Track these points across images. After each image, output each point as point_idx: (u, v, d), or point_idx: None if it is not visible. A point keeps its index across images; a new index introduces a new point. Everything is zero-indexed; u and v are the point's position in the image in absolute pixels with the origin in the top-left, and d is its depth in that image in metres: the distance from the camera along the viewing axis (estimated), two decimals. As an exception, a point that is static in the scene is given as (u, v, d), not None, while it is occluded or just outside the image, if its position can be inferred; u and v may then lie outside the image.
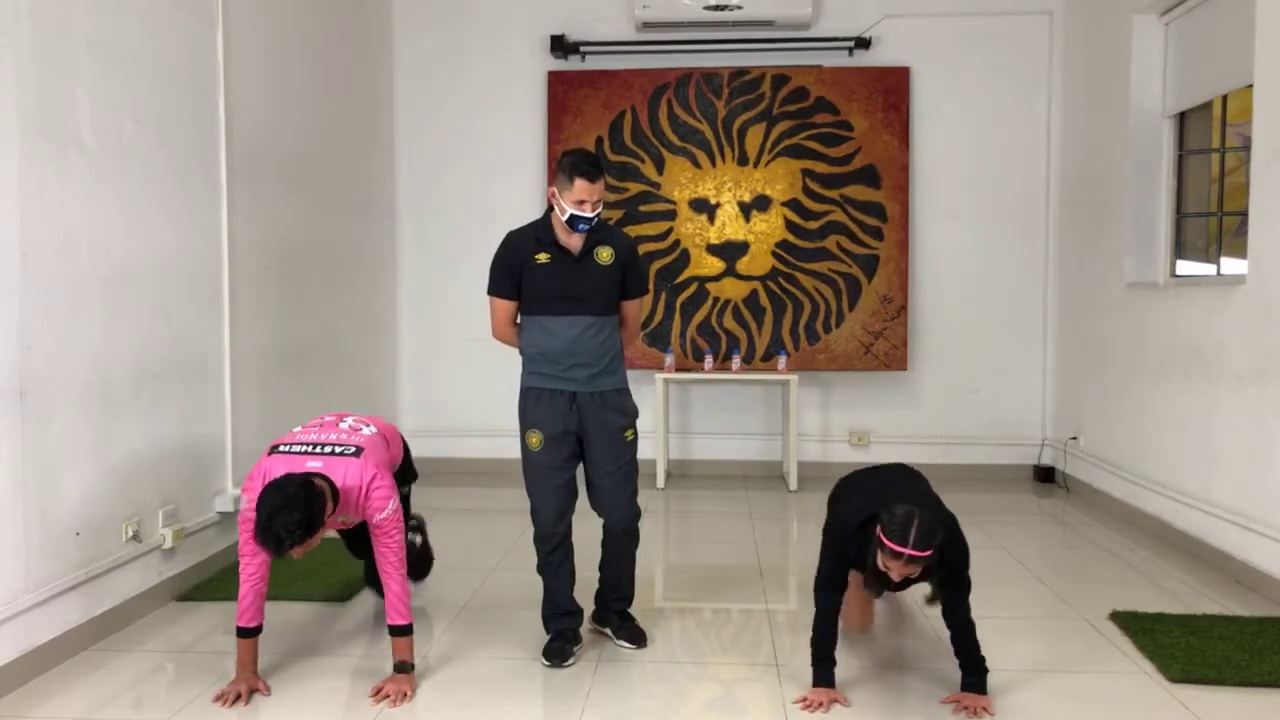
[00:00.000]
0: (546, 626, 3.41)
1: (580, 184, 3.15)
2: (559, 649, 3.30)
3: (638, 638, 3.49)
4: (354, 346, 5.94)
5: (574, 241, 3.29)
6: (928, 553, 2.70)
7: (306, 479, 2.85)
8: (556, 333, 3.28)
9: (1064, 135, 6.33)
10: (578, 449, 3.35)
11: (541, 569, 3.42)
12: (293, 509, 2.75)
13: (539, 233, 3.32)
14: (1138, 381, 5.23)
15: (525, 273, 3.30)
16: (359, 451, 3.07)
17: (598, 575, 3.55)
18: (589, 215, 3.19)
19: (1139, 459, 5.21)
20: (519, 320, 3.41)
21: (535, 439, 3.30)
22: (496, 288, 3.37)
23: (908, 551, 2.68)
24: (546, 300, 3.30)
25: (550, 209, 3.32)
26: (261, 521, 2.77)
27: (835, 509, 3.20)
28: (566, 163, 3.20)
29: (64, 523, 3.31)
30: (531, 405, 3.33)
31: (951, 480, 6.11)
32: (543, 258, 3.27)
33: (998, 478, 6.43)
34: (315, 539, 2.87)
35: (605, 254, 3.32)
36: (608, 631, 3.54)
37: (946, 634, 2.97)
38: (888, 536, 2.71)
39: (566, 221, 3.21)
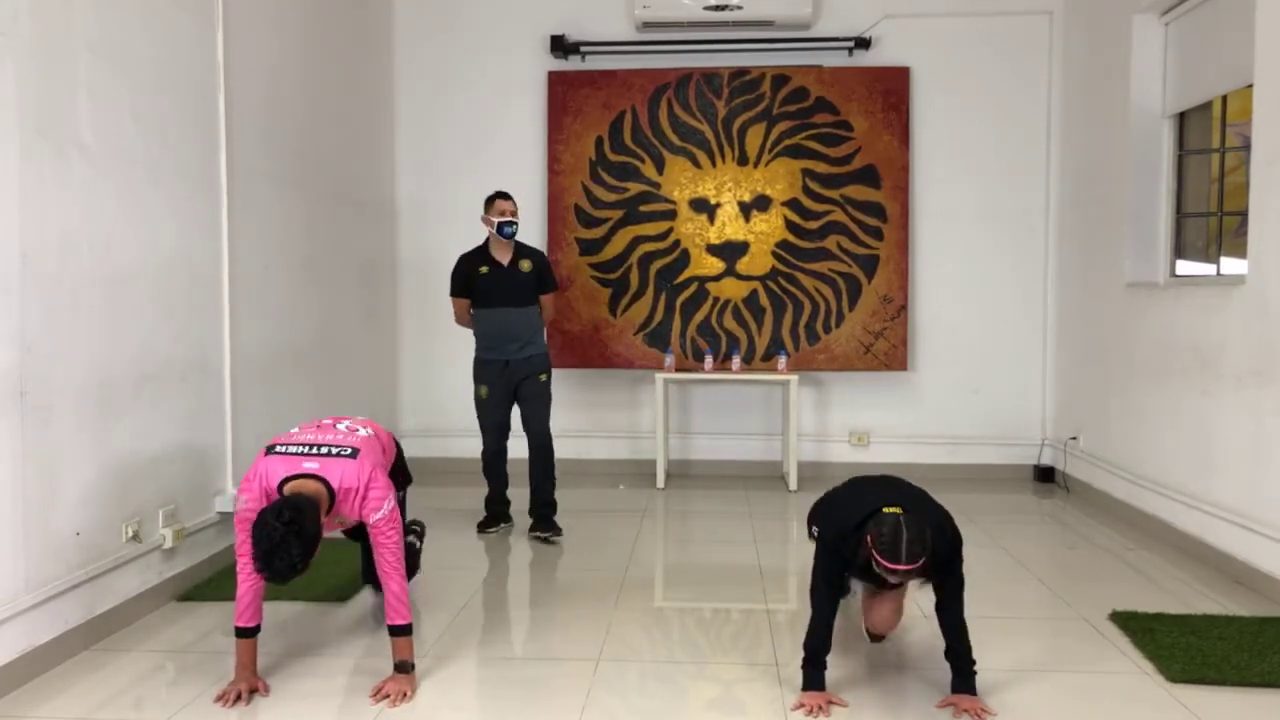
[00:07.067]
0: (486, 509, 5.09)
1: (499, 203, 4.84)
2: (488, 521, 5.04)
3: (550, 529, 4.86)
4: (354, 346, 5.94)
5: (504, 255, 4.87)
6: (920, 564, 2.72)
7: (294, 504, 2.79)
8: (493, 320, 4.91)
9: (1064, 135, 6.33)
10: (511, 397, 4.98)
11: (485, 471, 5.07)
12: (288, 545, 2.70)
13: (481, 254, 4.95)
14: (1138, 381, 5.23)
15: (472, 279, 4.92)
16: (355, 453, 3.08)
17: (529, 490, 4.96)
18: (510, 219, 4.83)
19: (1139, 459, 5.21)
20: (471, 312, 4.98)
21: (484, 391, 4.97)
22: (455, 290, 5.04)
23: (902, 568, 2.70)
24: (486, 297, 4.91)
25: (488, 238, 4.93)
26: (260, 561, 2.73)
27: (824, 518, 3.16)
28: (487, 199, 4.88)
29: (64, 523, 3.31)
30: (480, 369, 4.99)
31: (951, 480, 6.13)
32: (484, 269, 4.90)
33: (998, 478, 6.43)
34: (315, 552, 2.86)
35: (526, 265, 4.93)
36: (537, 533, 4.87)
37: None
38: (880, 554, 2.71)
39: (497, 230, 4.82)
